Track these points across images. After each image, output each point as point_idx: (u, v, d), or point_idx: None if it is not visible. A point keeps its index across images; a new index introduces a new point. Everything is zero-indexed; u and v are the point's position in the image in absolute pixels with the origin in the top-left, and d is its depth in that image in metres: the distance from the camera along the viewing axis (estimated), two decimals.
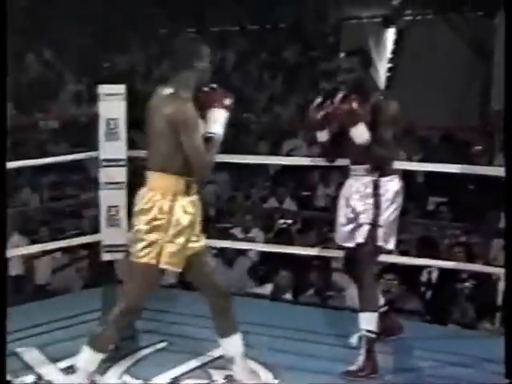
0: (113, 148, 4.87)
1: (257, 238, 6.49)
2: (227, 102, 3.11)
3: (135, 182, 5.62)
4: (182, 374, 3.54)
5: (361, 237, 3.60)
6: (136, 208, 3.09)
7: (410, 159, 6.50)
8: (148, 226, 3.01)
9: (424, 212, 6.60)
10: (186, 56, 3.06)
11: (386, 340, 3.80)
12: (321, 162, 5.90)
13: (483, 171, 4.73)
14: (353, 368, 3.56)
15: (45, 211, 7.33)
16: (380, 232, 3.58)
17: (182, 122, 2.96)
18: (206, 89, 3.12)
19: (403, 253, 5.30)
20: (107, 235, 4.90)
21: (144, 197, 3.06)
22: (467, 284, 5.13)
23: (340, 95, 3.64)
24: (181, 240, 3.03)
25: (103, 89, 4.89)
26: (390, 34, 9.22)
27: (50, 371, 3.58)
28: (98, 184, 4.93)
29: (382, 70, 8.93)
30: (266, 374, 3.50)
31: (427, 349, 3.86)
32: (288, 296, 5.36)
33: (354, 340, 3.66)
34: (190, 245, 3.09)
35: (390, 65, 8.80)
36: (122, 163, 4.89)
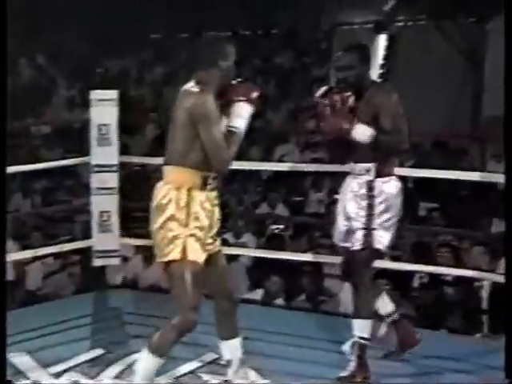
0: (104, 153, 4.87)
1: (249, 244, 6.49)
2: (253, 95, 3.03)
3: (127, 188, 5.65)
4: (175, 379, 3.54)
5: (357, 243, 3.53)
6: (153, 203, 3.03)
7: (401, 165, 6.51)
8: (168, 222, 2.96)
9: (416, 218, 6.62)
10: (210, 55, 3.04)
11: (403, 353, 3.74)
12: (313, 167, 6.00)
13: (479, 178, 4.74)
14: (344, 374, 3.54)
15: (36, 216, 7.32)
16: (375, 235, 3.50)
17: (201, 115, 2.93)
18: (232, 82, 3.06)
19: (395, 258, 5.31)
20: (99, 241, 4.90)
21: (160, 191, 3.02)
22: (453, 288, 5.16)
23: (326, 102, 3.55)
24: (202, 235, 2.99)
25: (95, 94, 4.89)
26: (382, 40, 9.24)
27: (41, 376, 3.58)
28: (89, 189, 4.93)
29: (373, 75, 8.94)
30: (257, 379, 3.50)
31: (424, 354, 3.84)
32: (279, 301, 5.36)
33: (346, 347, 3.61)
34: (209, 243, 3.06)
35: (381, 70, 8.82)
36: (113, 169, 4.89)
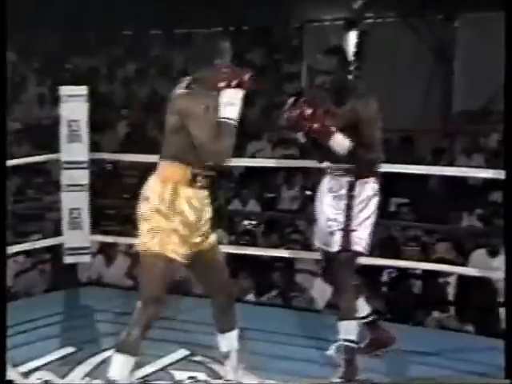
0: (75, 150, 4.84)
1: (220, 240, 6.48)
2: (244, 78, 2.95)
3: (98, 185, 5.60)
4: (145, 376, 3.53)
5: (335, 245, 3.47)
6: (141, 196, 3.08)
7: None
8: (149, 213, 3.00)
9: (386, 213, 6.66)
10: (207, 53, 3.04)
11: (378, 352, 3.69)
12: (285, 163, 6.02)
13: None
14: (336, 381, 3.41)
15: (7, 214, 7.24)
16: (354, 236, 3.45)
17: (188, 114, 2.95)
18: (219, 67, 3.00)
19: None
20: (69, 238, 4.87)
21: (148, 183, 3.07)
22: (421, 283, 5.21)
23: (306, 108, 3.41)
24: (185, 232, 3.01)
25: (65, 90, 4.86)
26: (352, 37, 9.28)
27: (11, 375, 3.54)
28: (60, 186, 4.90)
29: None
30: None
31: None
32: (250, 297, 5.37)
33: (331, 351, 3.52)
34: (196, 240, 3.07)
35: (351, 67, 8.86)
36: (83, 165, 4.86)
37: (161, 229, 2.98)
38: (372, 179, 3.52)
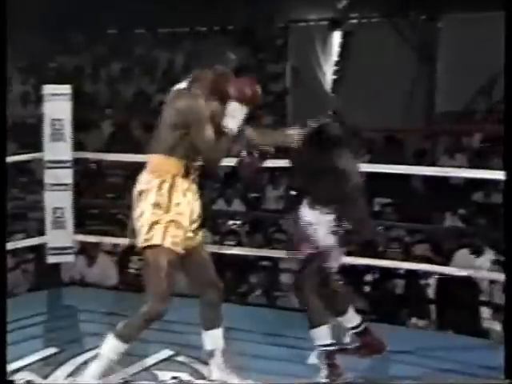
0: (58, 149, 4.82)
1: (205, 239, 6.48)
2: (247, 94, 3.08)
3: (82, 184, 5.58)
4: (129, 376, 3.53)
5: (324, 241, 3.43)
6: (136, 190, 3.12)
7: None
8: (150, 208, 3.06)
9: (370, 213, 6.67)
10: (208, 57, 3.15)
11: (369, 357, 3.68)
12: (271, 163, 6.00)
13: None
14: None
15: None
16: (333, 253, 3.47)
17: (194, 120, 3.04)
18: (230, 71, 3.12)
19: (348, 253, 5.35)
20: (53, 237, 4.85)
21: (143, 178, 3.12)
22: (403, 283, 5.23)
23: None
24: (183, 222, 3.07)
25: (48, 89, 4.84)
26: (337, 37, 9.31)
27: None
28: (43, 185, 4.88)
29: (328, 72, 9.04)
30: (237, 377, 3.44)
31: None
32: (235, 297, 5.37)
33: (312, 359, 3.53)
34: (189, 235, 3.14)
35: (336, 67, 8.90)
36: (67, 164, 4.84)
37: (161, 222, 3.05)
38: None
